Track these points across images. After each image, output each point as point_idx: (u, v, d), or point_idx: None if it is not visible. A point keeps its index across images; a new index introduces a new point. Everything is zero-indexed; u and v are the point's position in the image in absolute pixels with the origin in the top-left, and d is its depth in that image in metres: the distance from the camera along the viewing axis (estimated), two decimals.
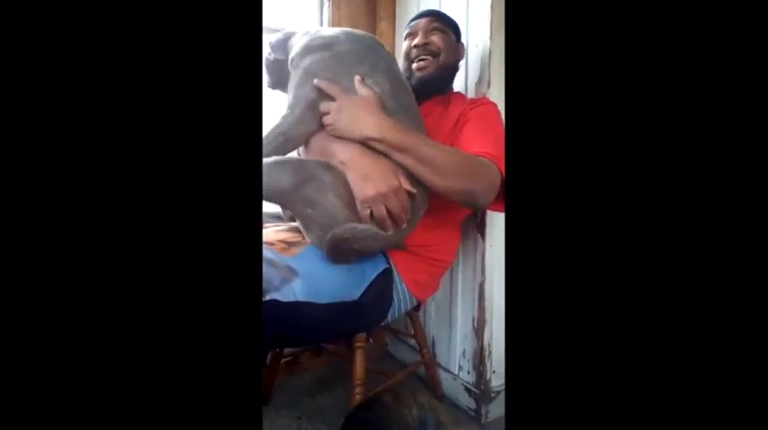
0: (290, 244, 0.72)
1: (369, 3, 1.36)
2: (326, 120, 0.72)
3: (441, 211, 0.83)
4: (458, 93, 0.99)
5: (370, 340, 1.35)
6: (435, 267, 0.89)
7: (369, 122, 0.69)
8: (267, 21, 1.24)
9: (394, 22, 1.37)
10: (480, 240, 1.05)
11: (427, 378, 1.12)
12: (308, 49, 0.77)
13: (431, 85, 0.91)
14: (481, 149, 0.75)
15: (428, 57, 0.90)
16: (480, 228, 1.04)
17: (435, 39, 0.90)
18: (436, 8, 1.19)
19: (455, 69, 0.96)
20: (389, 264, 0.81)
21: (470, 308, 1.08)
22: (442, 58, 0.90)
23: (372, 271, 0.77)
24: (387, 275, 0.79)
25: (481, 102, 0.90)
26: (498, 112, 0.87)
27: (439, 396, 1.11)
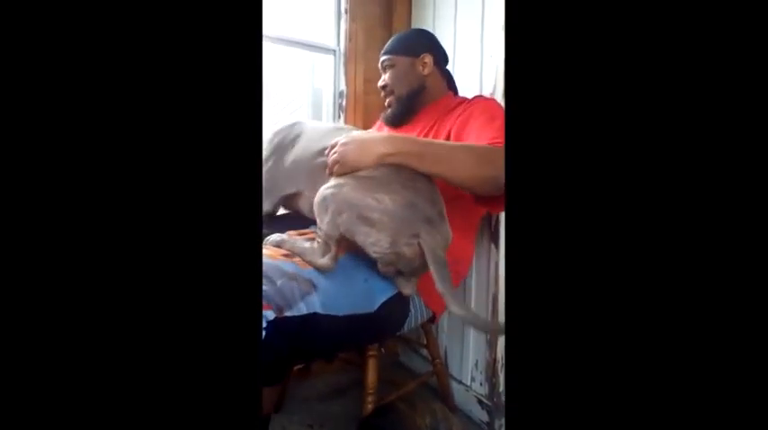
0: None
1: (385, 15, 1.38)
2: (332, 158, 0.74)
3: (453, 218, 0.84)
4: (447, 97, 1.00)
5: (382, 349, 1.35)
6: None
7: (379, 141, 0.72)
8: (286, 33, 1.27)
9: None
10: (494, 250, 1.04)
11: (439, 388, 1.11)
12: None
13: (396, 113, 1.00)
14: (490, 139, 0.77)
15: (388, 96, 1.01)
16: (494, 237, 1.04)
17: (388, 77, 0.99)
18: (451, 19, 1.21)
19: (420, 86, 0.98)
20: None
21: None
22: (397, 92, 0.99)
23: (392, 287, 0.77)
24: None
25: (476, 99, 0.92)
26: (497, 104, 0.89)
27: (451, 407, 1.10)
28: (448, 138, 0.88)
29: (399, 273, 0.74)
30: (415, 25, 1.38)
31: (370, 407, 0.82)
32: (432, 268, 0.66)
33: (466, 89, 1.11)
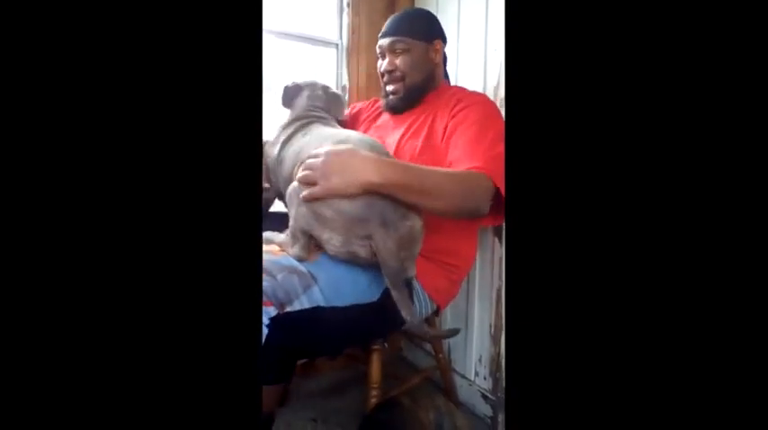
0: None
1: (387, 8, 1.37)
2: (304, 174, 0.67)
3: (448, 221, 0.83)
4: (443, 84, 0.96)
5: (386, 344, 1.35)
6: (454, 273, 0.88)
7: (367, 167, 0.65)
8: (288, 27, 1.26)
9: None
10: (498, 245, 1.04)
11: (443, 383, 1.11)
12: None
13: (405, 102, 0.93)
14: (476, 166, 0.75)
15: (396, 83, 0.92)
16: (498, 232, 1.04)
17: (399, 62, 0.90)
18: (454, 12, 1.20)
19: (431, 74, 0.93)
20: None
21: (487, 313, 1.07)
22: (408, 79, 0.91)
23: None
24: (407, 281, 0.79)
25: (474, 99, 0.86)
26: (493, 108, 0.85)
27: (455, 401, 1.10)
28: (443, 136, 0.84)
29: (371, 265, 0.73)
30: None
31: (373, 401, 0.83)
32: (385, 276, 0.67)
33: (469, 84, 1.10)
